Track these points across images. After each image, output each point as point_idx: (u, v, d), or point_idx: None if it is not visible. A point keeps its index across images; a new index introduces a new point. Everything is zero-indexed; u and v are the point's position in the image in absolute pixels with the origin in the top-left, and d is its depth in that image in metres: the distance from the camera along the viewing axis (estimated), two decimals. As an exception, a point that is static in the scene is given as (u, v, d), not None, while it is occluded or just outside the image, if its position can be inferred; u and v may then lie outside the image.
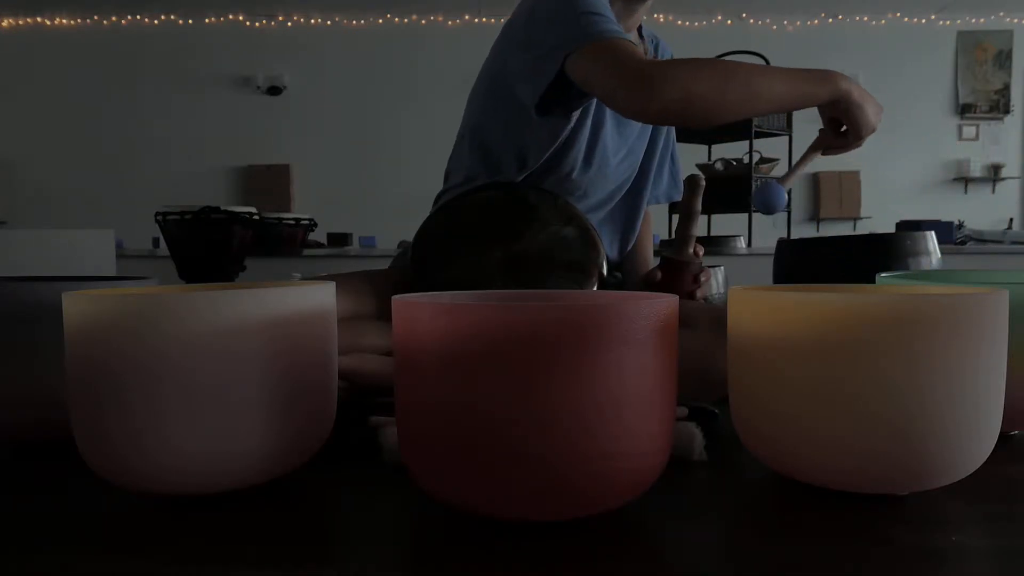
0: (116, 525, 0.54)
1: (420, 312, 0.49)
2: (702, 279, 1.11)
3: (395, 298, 0.52)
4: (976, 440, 0.54)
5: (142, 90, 7.00)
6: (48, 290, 0.65)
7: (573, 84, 1.04)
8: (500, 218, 1.10)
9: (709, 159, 4.16)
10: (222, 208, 2.29)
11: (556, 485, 0.47)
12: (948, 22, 7.17)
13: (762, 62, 3.96)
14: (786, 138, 3.98)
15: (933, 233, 1.39)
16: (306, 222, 3.33)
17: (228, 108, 7.08)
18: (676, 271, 1.10)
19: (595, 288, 1.04)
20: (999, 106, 7.26)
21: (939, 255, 1.38)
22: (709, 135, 3.96)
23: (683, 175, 1.36)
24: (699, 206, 1.09)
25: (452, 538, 0.50)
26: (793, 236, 3.91)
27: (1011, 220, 6.75)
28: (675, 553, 0.50)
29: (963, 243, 4.25)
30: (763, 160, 3.88)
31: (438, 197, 1.28)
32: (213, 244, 2.27)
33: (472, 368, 0.47)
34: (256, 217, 2.37)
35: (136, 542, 0.51)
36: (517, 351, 0.46)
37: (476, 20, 6.96)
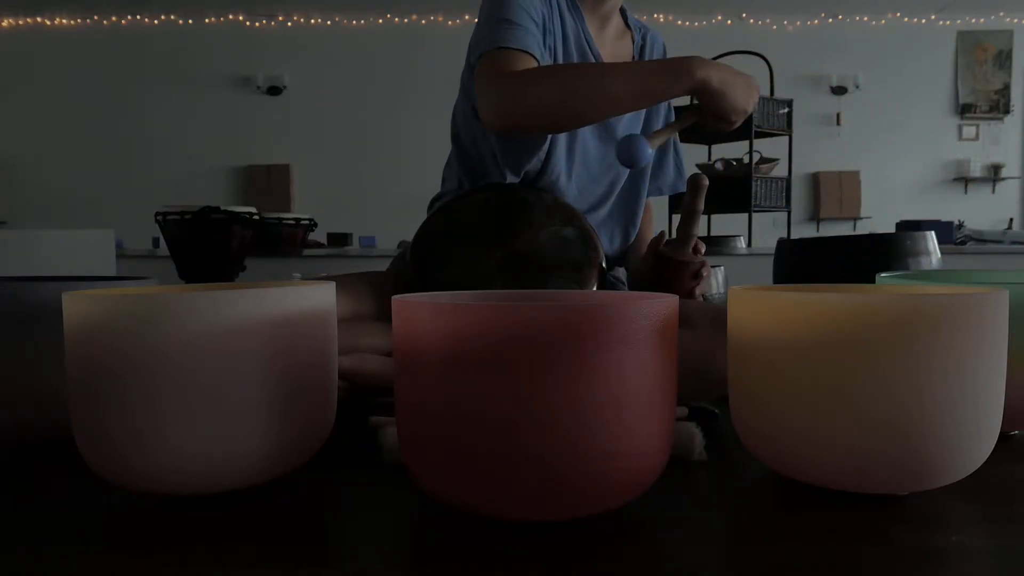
0: (116, 525, 0.54)
1: (420, 312, 0.49)
2: (704, 273, 1.11)
3: (395, 298, 0.52)
4: (976, 440, 0.54)
5: (142, 90, 7.00)
6: (48, 290, 0.65)
7: None
8: (500, 218, 1.10)
9: (709, 159, 4.16)
10: (222, 208, 2.30)
11: (556, 485, 0.47)
12: (948, 22, 7.17)
13: (762, 62, 3.97)
14: (786, 138, 3.98)
15: (933, 233, 1.39)
16: (306, 222, 3.33)
17: (228, 108, 7.09)
18: (675, 270, 1.10)
19: (595, 288, 1.04)
20: (999, 106, 7.26)
21: (939, 255, 1.38)
22: (709, 135, 3.96)
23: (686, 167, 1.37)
24: (701, 206, 1.09)
25: (452, 538, 0.50)
26: (793, 236, 3.91)
27: (1011, 220, 6.75)
28: (675, 553, 0.50)
29: (963, 243, 4.25)
30: (763, 160, 3.88)
31: (432, 202, 1.28)
32: (213, 244, 2.27)
33: (472, 368, 0.47)
34: (256, 217, 2.37)
35: (136, 542, 0.51)
36: (517, 351, 0.46)
37: (476, 20, 6.95)
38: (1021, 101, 7.27)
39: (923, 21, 7.13)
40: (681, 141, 1.45)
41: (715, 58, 4.06)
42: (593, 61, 1.19)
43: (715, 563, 0.48)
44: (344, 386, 0.76)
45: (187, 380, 0.52)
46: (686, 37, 6.44)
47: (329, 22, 7.07)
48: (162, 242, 2.63)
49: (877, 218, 6.90)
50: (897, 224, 4.30)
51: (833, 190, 7.16)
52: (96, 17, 7.00)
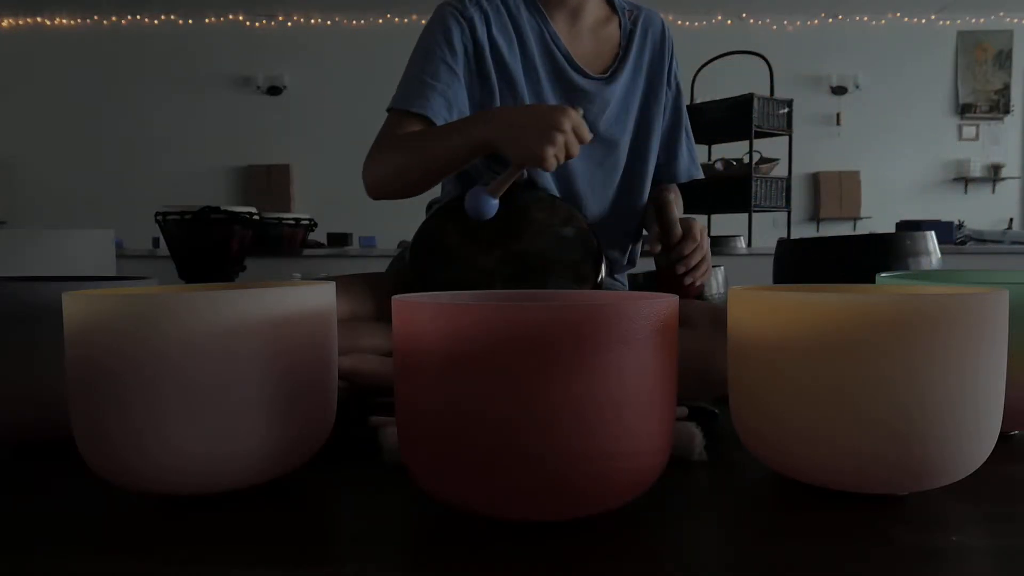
0: (116, 525, 0.54)
1: (420, 312, 0.49)
2: (695, 284, 1.08)
3: (395, 298, 0.52)
4: (976, 440, 0.54)
5: (142, 90, 6.99)
6: (48, 290, 0.65)
7: None
8: (500, 219, 1.10)
9: (709, 159, 4.15)
10: (222, 208, 2.29)
11: (556, 485, 0.47)
12: (948, 22, 7.17)
13: (762, 62, 3.97)
14: (786, 138, 3.98)
15: (933, 233, 1.40)
16: (306, 222, 3.32)
17: (228, 108, 7.08)
18: (669, 280, 1.07)
19: (594, 288, 1.04)
20: (999, 106, 7.26)
21: (939, 255, 1.38)
22: (709, 135, 3.96)
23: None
24: (675, 218, 1.06)
25: (452, 538, 0.50)
26: (793, 236, 3.91)
27: (1011, 220, 6.75)
28: (675, 553, 0.50)
29: (963, 243, 4.25)
30: (763, 160, 3.88)
31: (430, 205, 1.28)
32: (213, 244, 2.26)
33: (472, 368, 0.47)
34: (256, 217, 2.37)
35: (136, 542, 0.51)
36: (517, 351, 0.46)
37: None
38: (1021, 101, 7.27)
39: (923, 21, 7.13)
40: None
41: (715, 58, 4.08)
42: (561, 60, 1.15)
43: (715, 563, 0.48)
44: (344, 386, 0.76)
45: (187, 380, 0.52)
46: (686, 37, 6.42)
47: (329, 22, 7.07)
48: (162, 242, 2.62)
49: (877, 218, 6.89)
50: (897, 224, 4.30)
51: (833, 190, 7.15)
52: (96, 17, 7.00)
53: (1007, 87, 7.26)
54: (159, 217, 2.30)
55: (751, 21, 7.04)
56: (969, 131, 7.29)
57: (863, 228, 6.99)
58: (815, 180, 7.18)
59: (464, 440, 0.48)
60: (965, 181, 7.25)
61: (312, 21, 7.06)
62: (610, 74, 1.18)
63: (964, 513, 0.55)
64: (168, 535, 0.51)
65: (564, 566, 0.46)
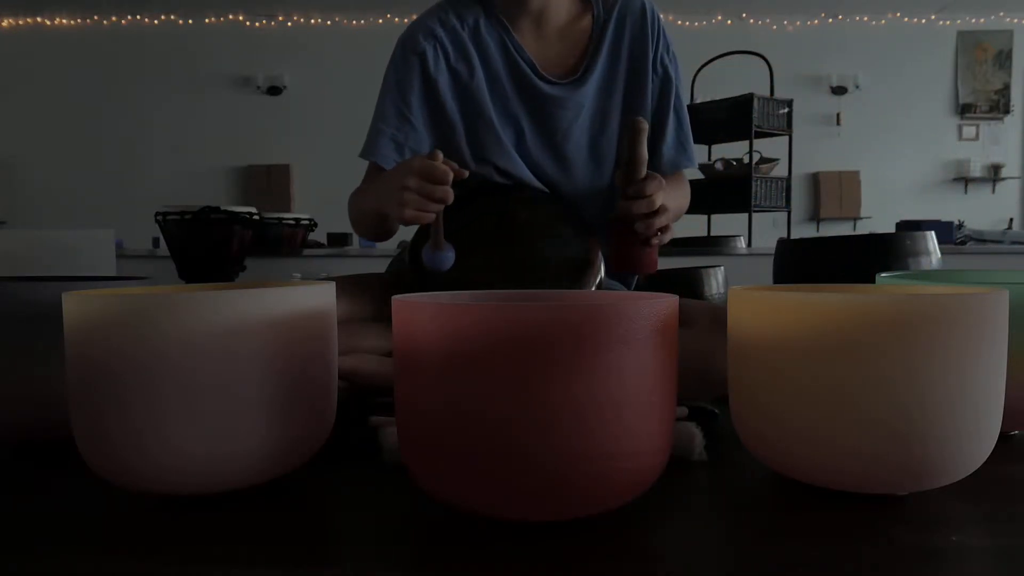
0: (116, 525, 0.54)
1: (420, 312, 0.49)
2: (653, 241, 0.96)
3: (395, 298, 0.52)
4: (976, 440, 0.54)
5: (142, 90, 6.99)
6: (48, 290, 0.65)
7: None
8: (500, 219, 1.10)
9: (709, 159, 4.15)
10: (222, 208, 2.29)
11: (556, 485, 0.47)
12: (948, 22, 7.17)
13: (762, 62, 3.97)
14: (786, 138, 3.98)
15: (933, 233, 1.40)
16: (306, 222, 3.32)
17: (228, 108, 7.08)
18: (624, 237, 0.96)
19: (594, 288, 1.04)
20: (999, 106, 7.26)
21: (939, 255, 1.38)
22: (709, 135, 3.96)
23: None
24: (644, 154, 0.94)
25: (452, 538, 0.50)
26: (793, 236, 3.91)
27: (1011, 220, 6.75)
28: (675, 553, 0.50)
29: (963, 243, 4.25)
30: (763, 160, 3.88)
31: None
32: (213, 244, 2.26)
33: (472, 368, 0.47)
34: (256, 217, 2.36)
35: (136, 542, 0.51)
36: (517, 351, 0.46)
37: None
38: (1021, 101, 7.26)
39: (923, 21, 7.12)
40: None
41: (715, 58, 4.08)
42: (525, 69, 1.13)
43: (715, 563, 0.48)
44: (344, 386, 0.76)
45: (187, 380, 0.52)
46: (686, 37, 6.43)
47: (329, 22, 7.07)
48: (162, 242, 2.62)
49: (877, 218, 6.89)
50: (897, 224, 4.30)
51: (833, 190, 7.15)
52: (96, 17, 7.00)
53: (1007, 87, 7.26)
54: (159, 217, 2.30)
55: (751, 21, 7.03)
56: (969, 131, 7.29)
57: (863, 228, 6.99)
58: (815, 180, 7.18)
59: (464, 440, 0.48)
60: (965, 181, 7.25)
61: (312, 21, 7.06)
62: (580, 75, 1.13)
63: (964, 513, 0.55)
64: (168, 535, 0.51)
65: (564, 566, 0.46)
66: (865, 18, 7.08)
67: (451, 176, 0.90)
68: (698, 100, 4.09)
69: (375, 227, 1.12)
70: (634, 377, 0.48)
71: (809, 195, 7.23)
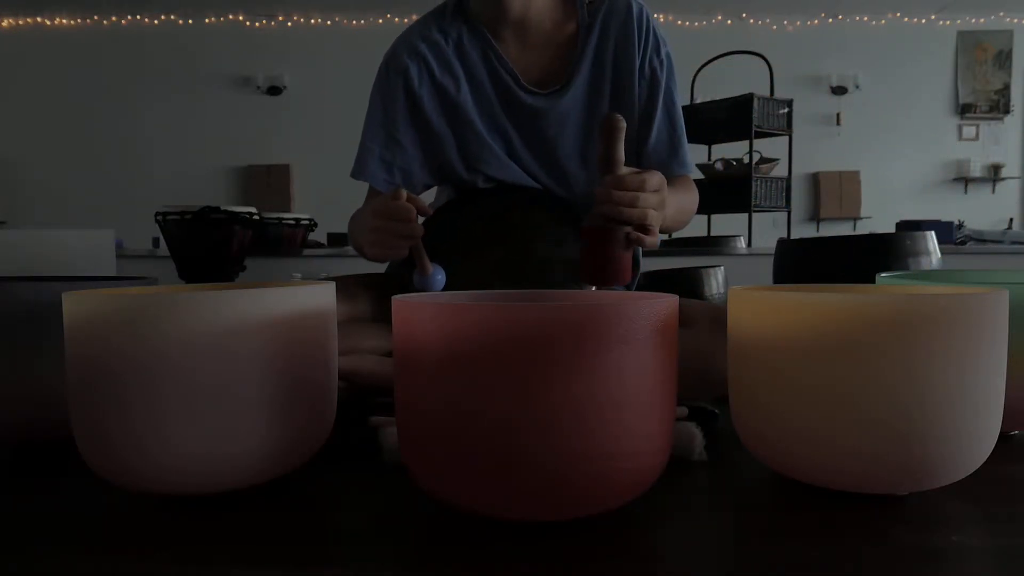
0: (116, 525, 0.54)
1: (420, 312, 0.49)
2: (632, 237, 0.88)
3: (395, 298, 0.52)
4: (976, 440, 0.54)
5: (142, 90, 6.99)
6: (48, 290, 0.65)
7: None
8: (499, 219, 1.10)
9: (709, 159, 4.15)
10: (222, 208, 2.29)
11: (556, 485, 0.47)
12: (948, 22, 7.17)
13: (762, 62, 3.97)
14: (786, 138, 3.98)
15: (933, 233, 1.40)
16: (306, 222, 3.32)
17: (228, 108, 7.08)
18: (602, 239, 0.87)
19: (594, 288, 1.04)
20: (999, 106, 7.26)
21: (939, 255, 1.39)
22: (709, 135, 3.96)
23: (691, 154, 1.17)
24: (620, 154, 0.86)
25: (452, 538, 0.50)
26: (793, 236, 3.91)
27: (1011, 220, 6.75)
28: (675, 553, 0.50)
29: (963, 243, 4.25)
30: (763, 160, 3.88)
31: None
32: (213, 244, 2.26)
33: (472, 368, 0.47)
34: (256, 217, 2.36)
35: (136, 542, 0.51)
36: (517, 351, 0.46)
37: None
38: (1021, 101, 7.26)
39: (923, 21, 7.12)
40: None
41: (715, 58, 4.08)
42: (508, 81, 1.12)
43: (715, 563, 0.48)
44: (344, 386, 0.76)
45: (187, 380, 0.52)
46: (686, 37, 6.43)
47: (329, 22, 7.06)
48: (162, 242, 2.62)
49: (877, 218, 6.89)
50: (897, 224, 4.30)
51: (833, 190, 7.15)
52: (96, 17, 7.00)
53: (1007, 87, 7.26)
54: (159, 217, 2.30)
55: (751, 21, 7.03)
56: (969, 131, 7.29)
57: (863, 228, 6.99)
58: (815, 180, 7.18)
59: (464, 440, 0.48)
60: (965, 181, 7.25)
61: (312, 21, 7.06)
62: (564, 83, 1.12)
63: (964, 513, 0.55)
64: (168, 535, 0.51)
65: (564, 566, 0.46)
66: (865, 18, 7.07)
67: (414, 214, 0.92)
68: (698, 100, 4.09)
69: (365, 254, 1.11)
70: (634, 377, 0.48)
71: (809, 195, 7.23)
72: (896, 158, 7.12)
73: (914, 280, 0.71)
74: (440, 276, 0.97)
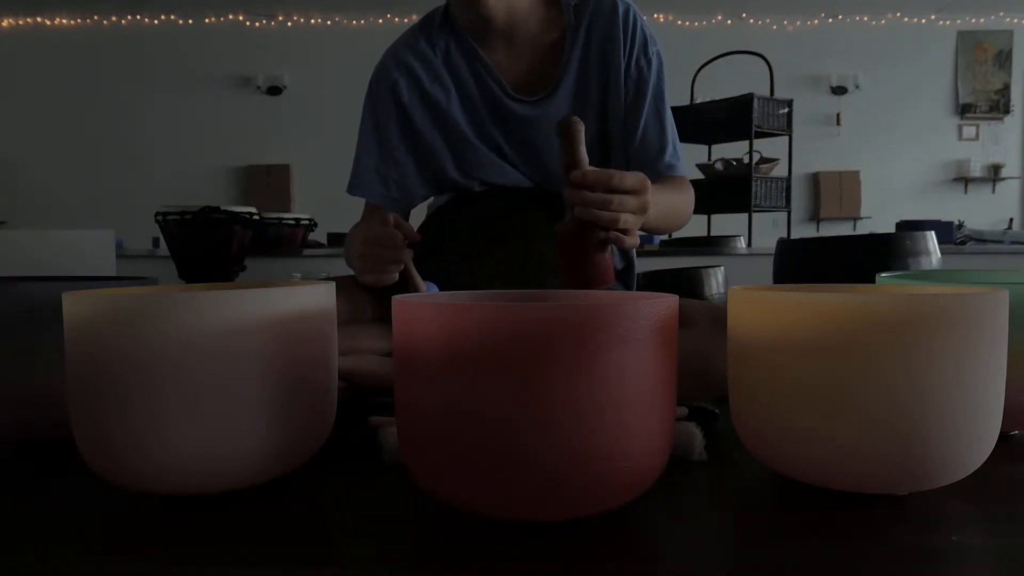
0: (116, 525, 0.54)
1: (420, 312, 0.49)
2: (609, 236, 0.84)
3: (395, 298, 0.52)
4: (976, 440, 0.54)
5: (142, 90, 7.00)
6: (48, 290, 0.65)
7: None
8: (498, 218, 1.10)
9: (709, 159, 4.15)
10: (222, 208, 2.29)
11: (556, 485, 0.47)
12: (948, 22, 7.17)
13: (762, 62, 3.97)
14: (786, 138, 3.98)
15: (933, 233, 1.40)
16: (306, 222, 3.32)
17: (228, 108, 7.08)
18: (574, 247, 0.85)
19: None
20: (999, 106, 7.26)
21: (939, 255, 1.38)
22: (709, 135, 3.96)
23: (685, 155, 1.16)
24: (583, 155, 0.82)
25: (452, 538, 0.50)
26: (793, 236, 3.91)
27: (1011, 220, 6.76)
28: (675, 553, 0.50)
29: (963, 243, 4.25)
30: (763, 160, 3.88)
31: (429, 207, 1.28)
32: (213, 244, 2.26)
33: (472, 368, 0.47)
34: (256, 217, 2.36)
35: (136, 542, 0.51)
36: (517, 351, 0.46)
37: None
38: (1021, 101, 7.27)
39: (923, 21, 7.13)
40: (680, 141, 1.19)
41: (715, 58, 4.08)
42: (495, 90, 1.12)
43: (715, 563, 0.48)
44: (344, 386, 0.76)
45: (187, 380, 0.52)
46: (686, 37, 6.43)
47: (329, 22, 7.07)
48: (162, 242, 2.62)
49: (877, 218, 6.90)
50: (897, 224, 4.31)
51: (833, 190, 7.16)
52: (96, 17, 7.00)
53: (1007, 87, 7.26)
54: (159, 217, 2.30)
55: (751, 21, 7.04)
56: (969, 131, 7.30)
57: (863, 228, 6.99)
58: (815, 180, 7.19)
59: (464, 440, 0.48)
60: (965, 181, 7.26)
61: (312, 21, 7.07)
62: (552, 89, 1.11)
63: (964, 513, 0.55)
64: (168, 535, 0.51)
65: (564, 566, 0.46)
66: (865, 18, 7.08)
67: (401, 239, 0.93)
68: (698, 100, 4.09)
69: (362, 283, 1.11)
70: (634, 377, 0.48)
71: (809, 195, 7.23)
72: (896, 158, 7.13)
73: (914, 280, 0.71)
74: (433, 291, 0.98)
